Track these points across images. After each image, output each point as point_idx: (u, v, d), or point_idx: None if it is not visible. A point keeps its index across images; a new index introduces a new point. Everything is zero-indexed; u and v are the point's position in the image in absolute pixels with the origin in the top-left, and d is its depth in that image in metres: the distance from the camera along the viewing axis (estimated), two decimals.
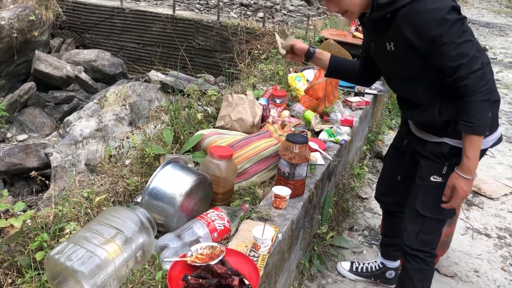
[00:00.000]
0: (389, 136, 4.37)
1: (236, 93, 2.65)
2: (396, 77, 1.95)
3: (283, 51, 2.13)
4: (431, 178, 1.86)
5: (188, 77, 6.86)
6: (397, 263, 2.49)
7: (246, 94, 2.63)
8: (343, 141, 2.73)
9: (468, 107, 1.66)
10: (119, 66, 7.63)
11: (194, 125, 2.48)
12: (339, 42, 4.25)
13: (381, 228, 2.49)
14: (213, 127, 2.58)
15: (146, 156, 2.17)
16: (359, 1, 1.75)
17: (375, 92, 3.60)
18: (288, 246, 2.06)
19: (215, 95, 2.78)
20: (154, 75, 7.46)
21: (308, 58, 2.13)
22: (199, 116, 2.47)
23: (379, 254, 2.54)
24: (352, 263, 2.62)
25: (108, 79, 7.53)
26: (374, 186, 3.49)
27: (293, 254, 2.20)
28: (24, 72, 7.08)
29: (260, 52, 3.88)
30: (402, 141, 2.16)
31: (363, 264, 2.60)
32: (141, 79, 7.56)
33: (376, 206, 3.24)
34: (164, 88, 6.57)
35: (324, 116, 2.96)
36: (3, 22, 6.23)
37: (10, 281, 1.46)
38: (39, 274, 1.53)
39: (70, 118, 6.32)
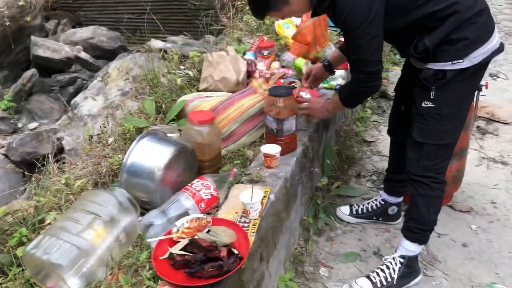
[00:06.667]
0: (394, 73, 4.13)
1: (216, 52, 2.50)
2: None
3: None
4: (422, 104, 1.86)
5: (190, 41, 6.65)
6: (400, 199, 2.45)
7: (226, 51, 2.48)
8: (337, 86, 2.57)
9: None
10: (117, 40, 7.47)
11: (176, 92, 2.36)
12: None
13: (388, 164, 2.42)
14: (197, 91, 2.46)
15: (127, 131, 2.09)
16: (299, 8, 1.84)
17: None
18: (285, 205, 1.97)
19: (197, 56, 2.63)
20: (154, 43, 7.28)
21: (329, 69, 2.32)
22: (178, 81, 2.35)
23: (381, 191, 2.48)
24: (351, 206, 2.55)
25: (108, 55, 7.39)
26: (381, 127, 3.35)
27: (293, 212, 2.11)
28: (25, 59, 7.01)
29: (244, 3, 3.66)
30: (405, 70, 2.16)
31: (363, 205, 2.53)
32: (141, 49, 7.41)
33: (383, 148, 3.09)
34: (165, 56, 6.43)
35: (317, 61, 2.79)
36: None
37: None
38: (23, 270, 1.48)
39: (77, 99, 6.23)
